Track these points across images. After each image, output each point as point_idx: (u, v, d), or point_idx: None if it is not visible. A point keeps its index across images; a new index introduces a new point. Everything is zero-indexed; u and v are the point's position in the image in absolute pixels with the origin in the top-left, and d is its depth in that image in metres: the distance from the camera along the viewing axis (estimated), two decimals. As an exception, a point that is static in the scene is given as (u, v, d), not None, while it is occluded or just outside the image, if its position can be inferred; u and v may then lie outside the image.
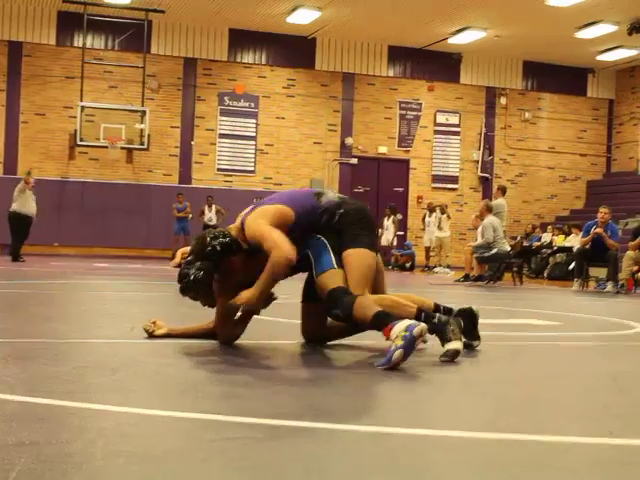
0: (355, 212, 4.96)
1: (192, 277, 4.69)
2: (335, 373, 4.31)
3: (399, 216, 25.01)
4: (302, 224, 4.84)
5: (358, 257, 4.79)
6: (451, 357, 4.66)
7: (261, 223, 4.73)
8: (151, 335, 5.08)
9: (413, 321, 4.39)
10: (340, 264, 4.78)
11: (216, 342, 4.75)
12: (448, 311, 5.09)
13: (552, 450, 2.77)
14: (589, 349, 6.05)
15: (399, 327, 4.35)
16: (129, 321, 5.38)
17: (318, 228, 4.89)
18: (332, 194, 5.09)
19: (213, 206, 22.86)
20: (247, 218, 4.84)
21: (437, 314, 4.81)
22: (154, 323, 5.16)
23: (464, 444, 2.82)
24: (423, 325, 4.37)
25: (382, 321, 4.50)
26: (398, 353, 4.26)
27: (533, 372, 4.69)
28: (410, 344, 4.27)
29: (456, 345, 4.68)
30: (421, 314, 4.75)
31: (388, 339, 4.40)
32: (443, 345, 4.70)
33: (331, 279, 4.76)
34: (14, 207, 17.89)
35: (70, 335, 5.52)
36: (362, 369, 4.50)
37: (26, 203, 17.86)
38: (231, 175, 25.04)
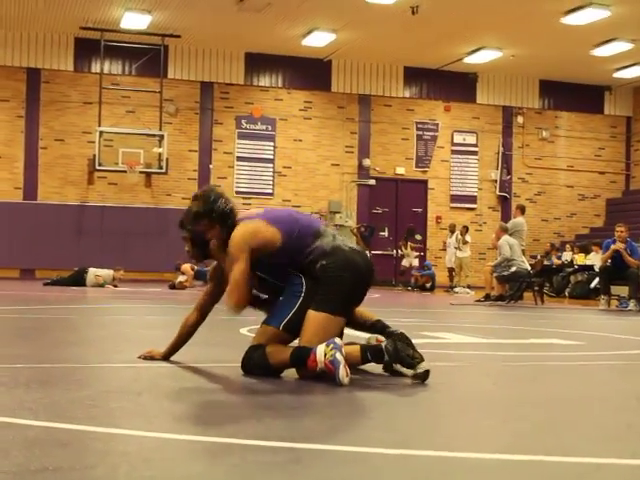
0: (337, 268, 4.74)
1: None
2: (354, 395, 4.29)
3: (418, 237, 24.99)
4: (285, 255, 4.79)
5: (317, 322, 4.66)
6: (423, 378, 4.62)
7: (242, 247, 4.70)
8: (152, 358, 5.14)
9: (329, 340, 4.45)
10: (294, 320, 4.70)
11: (237, 365, 4.72)
12: (384, 328, 5.05)
13: (578, 472, 2.75)
14: (612, 369, 6.00)
15: (321, 350, 4.43)
16: (149, 345, 5.38)
17: (301, 266, 4.82)
18: (329, 239, 4.88)
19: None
20: (240, 225, 4.81)
21: (383, 346, 4.67)
22: (150, 352, 5.22)
23: (487, 466, 2.79)
24: (337, 339, 4.48)
25: (301, 355, 4.53)
26: (342, 370, 4.35)
27: (556, 392, 4.65)
28: (342, 356, 4.36)
29: (422, 367, 4.62)
30: (367, 354, 4.67)
31: (317, 367, 4.43)
32: (412, 369, 4.64)
33: (263, 335, 4.73)
34: None
35: (92, 360, 5.53)
36: (379, 390, 4.48)
37: None
38: (249, 198, 25.08)
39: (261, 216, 4.90)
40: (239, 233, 4.75)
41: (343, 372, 4.35)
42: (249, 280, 4.71)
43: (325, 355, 4.39)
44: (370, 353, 4.68)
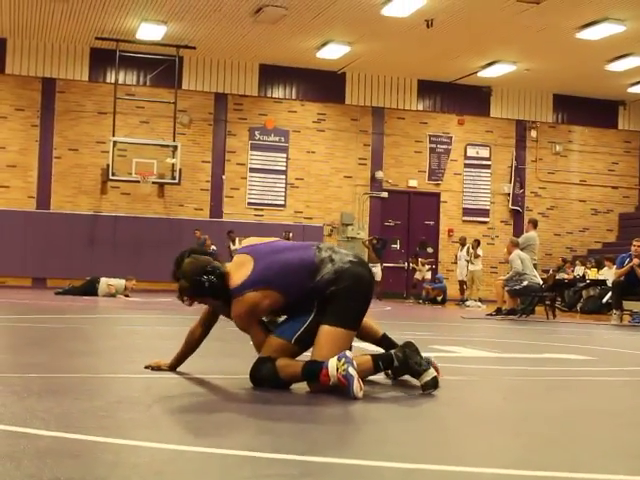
0: (346, 289, 4.71)
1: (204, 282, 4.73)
2: (364, 408, 4.28)
3: (430, 250, 24.97)
4: (291, 303, 4.76)
5: (331, 337, 4.65)
6: (432, 387, 4.66)
7: (247, 323, 4.74)
8: (159, 369, 5.16)
9: (340, 354, 4.45)
10: (306, 333, 4.70)
11: (247, 377, 4.71)
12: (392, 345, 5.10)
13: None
14: (625, 384, 5.98)
15: (333, 364, 4.43)
16: (161, 356, 5.38)
17: (311, 298, 4.77)
18: (329, 268, 4.76)
19: (237, 239, 22.60)
20: (236, 304, 4.71)
21: (393, 353, 4.73)
22: (157, 363, 5.24)
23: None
24: (348, 352, 4.49)
25: (314, 369, 4.53)
26: (356, 384, 4.34)
27: (567, 408, 4.63)
28: (354, 369, 4.37)
29: (430, 375, 4.65)
30: (379, 363, 4.71)
31: (329, 381, 4.43)
32: (418, 379, 4.69)
33: (272, 347, 4.70)
34: None
35: (103, 370, 5.54)
36: (389, 403, 4.47)
37: None
38: (262, 209, 25.12)
39: (253, 276, 4.73)
40: (238, 314, 4.72)
41: (357, 386, 4.36)
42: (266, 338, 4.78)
43: (337, 369, 4.40)
44: (382, 361, 4.72)
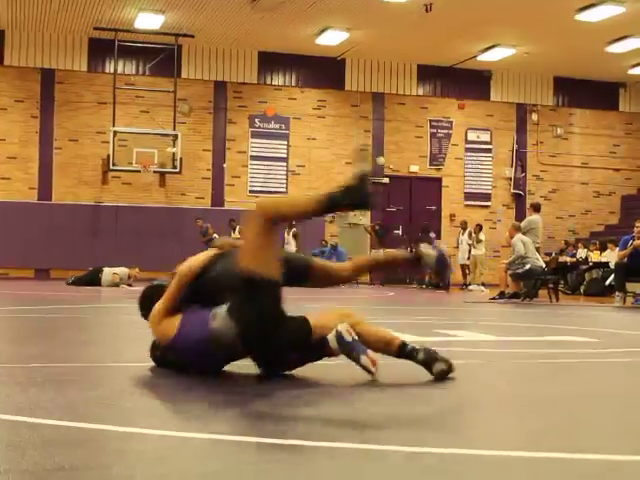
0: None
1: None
2: (369, 392, 4.27)
3: (432, 234, 24.92)
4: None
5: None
6: (444, 374, 4.53)
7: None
8: None
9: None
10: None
11: (250, 364, 4.68)
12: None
13: (598, 469, 2.73)
14: (628, 366, 5.97)
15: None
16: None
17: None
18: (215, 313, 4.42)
19: (237, 228, 22.59)
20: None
21: (419, 347, 4.62)
22: None
23: (506, 463, 2.78)
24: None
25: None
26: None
27: (571, 390, 4.63)
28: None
29: (442, 365, 4.53)
30: (405, 346, 4.57)
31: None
32: (431, 371, 4.55)
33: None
34: None
35: (106, 359, 5.54)
36: (395, 389, 4.47)
37: None
38: (263, 196, 25.11)
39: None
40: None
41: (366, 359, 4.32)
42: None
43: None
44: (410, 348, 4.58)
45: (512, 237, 16.26)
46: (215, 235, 21.93)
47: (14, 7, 21.22)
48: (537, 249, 16.69)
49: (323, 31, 22.74)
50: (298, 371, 4.64)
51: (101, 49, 23.78)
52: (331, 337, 4.33)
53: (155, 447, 2.91)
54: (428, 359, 4.52)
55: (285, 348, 4.49)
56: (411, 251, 4.98)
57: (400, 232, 25.85)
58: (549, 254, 21.70)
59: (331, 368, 4.82)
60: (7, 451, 2.75)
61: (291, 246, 22.64)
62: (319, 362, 4.64)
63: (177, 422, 3.42)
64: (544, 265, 16.43)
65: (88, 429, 3.14)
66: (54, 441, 2.92)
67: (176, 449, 2.91)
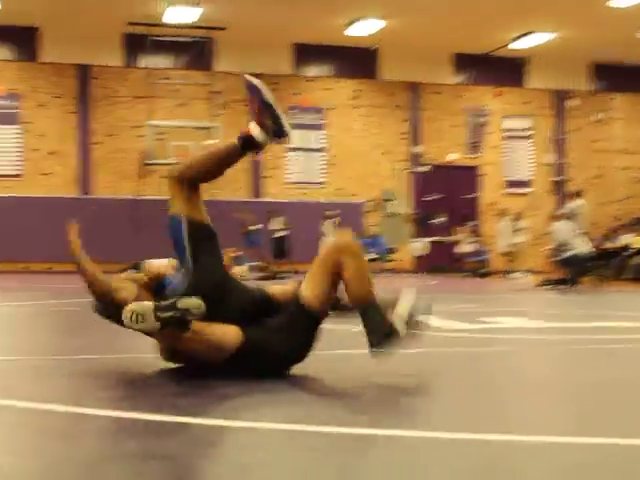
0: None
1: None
2: (414, 381, 4.22)
3: (471, 223, 24.78)
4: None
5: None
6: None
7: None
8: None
9: None
10: None
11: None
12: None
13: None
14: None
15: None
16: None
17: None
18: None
19: (280, 218, 22.41)
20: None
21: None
22: None
23: (554, 449, 2.73)
24: None
25: None
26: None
27: (619, 375, 4.55)
28: None
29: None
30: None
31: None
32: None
33: None
34: None
35: (150, 350, 5.53)
36: (437, 376, 4.42)
37: None
38: (301, 188, 25.09)
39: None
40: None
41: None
42: None
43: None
44: None
45: (554, 224, 16.12)
46: (257, 226, 21.82)
47: (49, 5, 21.35)
48: (584, 234, 16.52)
49: (357, 20, 22.62)
50: (340, 360, 4.58)
51: (135, 44, 23.87)
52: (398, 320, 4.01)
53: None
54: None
55: (243, 312, 4.22)
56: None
57: (443, 220, 25.58)
58: (592, 240, 21.46)
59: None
60: (60, 441, 2.74)
61: (329, 236, 22.56)
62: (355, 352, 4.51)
63: (219, 411, 3.39)
64: (591, 250, 16.22)
65: (141, 420, 3.13)
66: (109, 431, 2.92)
67: (221, 436, 2.90)
